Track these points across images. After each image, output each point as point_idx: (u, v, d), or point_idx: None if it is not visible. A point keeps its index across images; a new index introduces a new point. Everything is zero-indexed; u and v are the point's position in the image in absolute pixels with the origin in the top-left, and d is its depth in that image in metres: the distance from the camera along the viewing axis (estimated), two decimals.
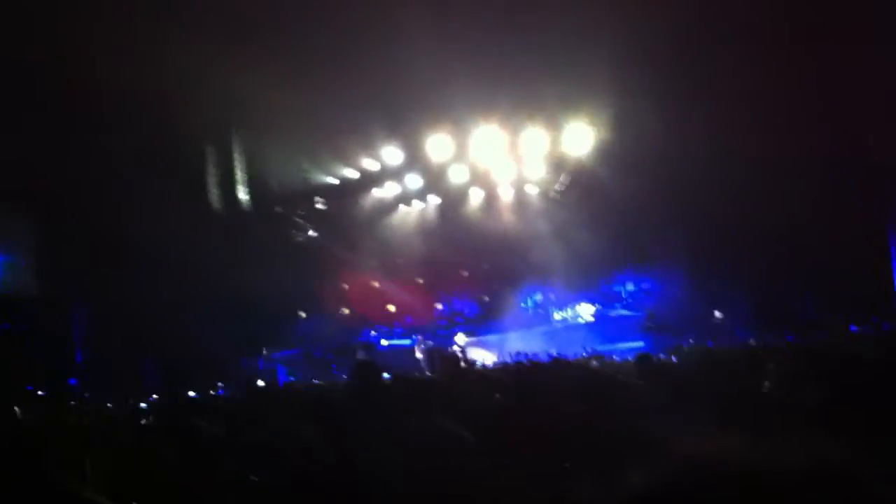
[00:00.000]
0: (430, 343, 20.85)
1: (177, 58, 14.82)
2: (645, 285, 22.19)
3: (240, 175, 21.22)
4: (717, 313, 18.77)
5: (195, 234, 19.30)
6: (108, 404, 13.17)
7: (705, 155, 16.67)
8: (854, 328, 14.01)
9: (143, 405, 9.57)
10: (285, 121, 18.31)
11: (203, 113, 19.03)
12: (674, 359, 11.05)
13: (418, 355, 19.89)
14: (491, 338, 20.93)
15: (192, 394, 14.30)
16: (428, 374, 14.73)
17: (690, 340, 16.75)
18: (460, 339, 20.44)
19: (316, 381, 14.60)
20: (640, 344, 18.09)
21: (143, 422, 8.44)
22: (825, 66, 14.52)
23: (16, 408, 5.06)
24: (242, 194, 21.38)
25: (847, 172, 15.64)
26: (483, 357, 13.18)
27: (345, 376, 15.83)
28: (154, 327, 18.87)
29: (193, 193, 20.29)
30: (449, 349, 18.69)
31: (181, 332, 19.07)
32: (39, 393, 16.74)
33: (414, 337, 22.07)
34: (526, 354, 14.08)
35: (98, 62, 14.69)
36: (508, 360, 13.22)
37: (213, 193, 20.93)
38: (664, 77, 16.95)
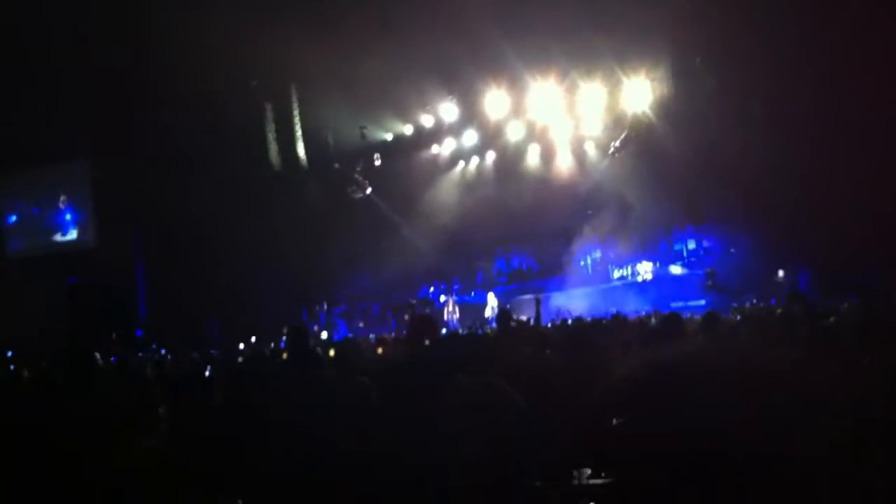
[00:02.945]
0: (454, 299, 21.27)
1: (237, 13, 14.94)
2: (706, 243, 21.81)
3: (299, 132, 21.43)
4: (780, 273, 18.36)
5: (256, 190, 19.62)
6: (169, 356, 13.56)
7: (767, 113, 16.24)
8: None
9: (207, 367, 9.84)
10: (343, 78, 18.37)
11: (262, 70, 19.22)
12: (738, 318, 10.87)
13: (447, 316, 20.11)
14: (549, 295, 20.88)
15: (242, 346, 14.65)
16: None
17: (754, 300, 16.48)
18: (491, 298, 20.54)
19: (372, 336, 14.77)
20: (701, 303, 17.86)
21: (206, 374, 8.68)
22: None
23: (96, 354, 5.21)
24: (301, 151, 21.61)
25: None
26: (539, 314, 13.24)
27: (403, 332, 16.01)
28: (215, 281, 19.32)
29: (254, 150, 20.58)
30: (501, 307, 18.70)
31: (242, 287, 19.49)
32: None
33: (435, 293, 22.35)
34: (582, 313, 14.04)
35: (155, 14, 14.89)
36: (567, 317, 13.14)
37: (273, 150, 21.19)
38: (725, 34, 16.52)
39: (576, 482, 5.11)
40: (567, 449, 4.61)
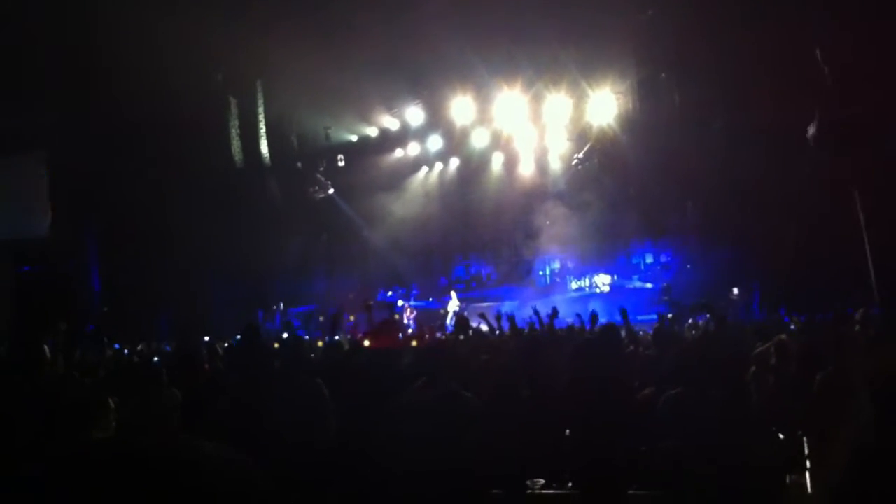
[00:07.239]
0: (413, 307, 21.53)
1: (203, 10, 14.76)
2: (663, 258, 22.05)
3: (263, 128, 21.24)
4: (735, 290, 18.60)
5: (217, 185, 19.38)
6: (123, 350, 13.30)
7: (728, 128, 16.48)
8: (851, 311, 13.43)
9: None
10: (308, 78, 18.26)
11: (228, 64, 19.02)
12: (693, 333, 10.97)
13: (405, 321, 20.13)
14: (506, 303, 20.91)
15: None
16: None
17: (707, 315, 16.62)
18: (453, 303, 20.60)
19: (328, 339, 14.60)
20: (654, 317, 18.00)
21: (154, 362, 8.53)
22: (850, 38, 14.15)
23: (45, 347, 5.07)
24: (264, 148, 21.41)
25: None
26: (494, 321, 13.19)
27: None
28: (171, 277, 19.02)
29: (216, 144, 20.34)
30: (459, 313, 18.71)
31: (198, 283, 19.21)
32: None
33: (392, 297, 22.31)
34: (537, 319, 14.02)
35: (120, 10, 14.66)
36: (522, 325, 13.13)
37: (236, 145, 20.96)
38: (688, 49, 16.75)
39: (529, 492, 5.11)
40: (526, 456, 4.61)
